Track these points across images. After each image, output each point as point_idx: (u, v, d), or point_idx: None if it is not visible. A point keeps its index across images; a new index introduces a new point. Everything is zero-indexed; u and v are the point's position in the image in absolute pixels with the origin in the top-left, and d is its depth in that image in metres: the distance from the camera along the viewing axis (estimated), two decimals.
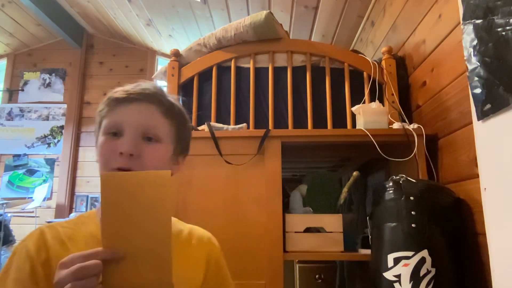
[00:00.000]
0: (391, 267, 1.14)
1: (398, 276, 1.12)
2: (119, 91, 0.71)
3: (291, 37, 2.81)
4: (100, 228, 0.51)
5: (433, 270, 1.10)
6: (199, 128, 1.63)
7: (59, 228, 0.68)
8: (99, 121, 0.72)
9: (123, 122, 0.67)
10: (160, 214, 0.51)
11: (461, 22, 1.16)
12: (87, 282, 0.48)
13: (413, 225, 1.15)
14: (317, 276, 1.81)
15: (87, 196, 3.94)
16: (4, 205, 3.28)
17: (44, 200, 3.92)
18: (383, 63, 1.76)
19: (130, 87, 0.71)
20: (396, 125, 1.54)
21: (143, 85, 0.72)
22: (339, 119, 1.70)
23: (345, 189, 1.56)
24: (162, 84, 4.38)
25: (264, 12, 1.71)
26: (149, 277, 0.51)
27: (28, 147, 4.21)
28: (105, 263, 0.50)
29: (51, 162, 4.17)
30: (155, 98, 0.71)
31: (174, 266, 0.67)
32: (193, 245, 0.77)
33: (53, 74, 4.41)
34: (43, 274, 0.62)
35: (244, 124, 1.62)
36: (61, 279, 0.48)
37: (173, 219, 0.79)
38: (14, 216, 3.86)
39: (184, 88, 1.82)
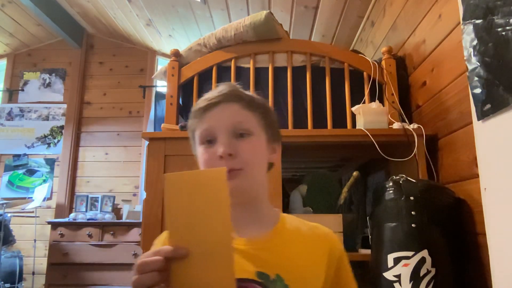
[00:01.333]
0: (391, 267, 1.14)
1: (398, 276, 1.12)
2: (200, 102, 0.74)
3: (291, 37, 2.81)
4: (167, 228, 0.52)
5: (433, 270, 1.10)
6: None
7: None
8: (192, 136, 0.76)
9: (212, 127, 0.70)
10: (219, 211, 0.52)
11: (461, 22, 1.16)
12: (147, 276, 0.50)
13: (413, 225, 1.15)
14: None
15: (87, 196, 3.94)
16: (4, 205, 3.28)
17: (44, 200, 3.92)
18: (383, 63, 1.76)
19: (208, 95, 0.75)
20: (396, 125, 1.54)
21: (219, 88, 0.75)
22: (339, 119, 1.70)
23: (345, 189, 1.56)
24: (162, 84, 4.36)
25: (264, 12, 1.71)
26: (212, 276, 0.51)
27: (28, 147, 4.21)
28: (172, 262, 0.51)
29: (51, 162, 4.17)
30: (233, 95, 0.73)
31: (289, 264, 0.68)
32: (312, 242, 0.74)
33: (53, 74, 4.41)
34: None
35: None
36: (133, 269, 0.52)
37: (289, 215, 0.80)
38: (14, 216, 3.86)
39: (184, 88, 1.82)
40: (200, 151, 0.72)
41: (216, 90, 0.74)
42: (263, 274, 0.64)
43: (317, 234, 0.77)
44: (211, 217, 0.52)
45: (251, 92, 0.78)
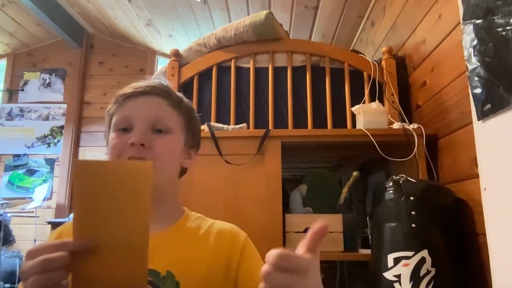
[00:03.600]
0: (391, 267, 1.14)
1: (398, 276, 1.12)
2: (126, 88, 0.71)
3: (291, 37, 2.81)
4: (73, 218, 0.48)
5: (433, 270, 1.10)
6: None
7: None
8: (108, 120, 0.72)
9: (132, 116, 0.68)
10: (138, 206, 0.48)
11: (461, 22, 1.16)
12: (51, 275, 0.44)
13: (413, 225, 1.15)
14: None
15: None
16: (4, 205, 3.28)
17: (44, 200, 3.92)
18: (383, 63, 1.76)
19: (136, 83, 0.72)
20: (396, 125, 1.54)
21: (151, 80, 0.73)
22: (339, 119, 1.70)
23: (345, 189, 1.56)
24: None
25: (264, 12, 1.71)
26: (123, 272, 0.48)
27: (28, 147, 4.21)
28: (76, 256, 0.46)
29: (51, 162, 4.17)
30: (162, 91, 0.72)
31: (182, 261, 0.65)
32: (211, 242, 0.72)
33: (53, 74, 4.41)
34: None
35: (244, 124, 1.62)
36: (26, 270, 0.45)
37: (196, 215, 0.78)
38: (14, 216, 3.86)
39: (184, 88, 1.82)
40: (112, 136, 0.68)
41: (146, 81, 0.72)
42: (153, 271, 0.63)
43: (218, 232, 0.74)
44: (128, 210, 0.48)
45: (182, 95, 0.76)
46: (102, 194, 0.48)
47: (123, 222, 0.48)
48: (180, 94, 0.76)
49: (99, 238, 0.47)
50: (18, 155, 4.19)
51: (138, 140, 0.64)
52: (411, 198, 1.18)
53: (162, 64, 4.42)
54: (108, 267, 0.48)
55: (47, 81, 4.39)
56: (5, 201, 3.36)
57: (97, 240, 0.47)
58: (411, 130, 1.48)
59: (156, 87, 0.71)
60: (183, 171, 0.77)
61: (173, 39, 3.96)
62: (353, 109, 1.63)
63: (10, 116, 4.30)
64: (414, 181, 1.23)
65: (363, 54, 1.95)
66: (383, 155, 1.49)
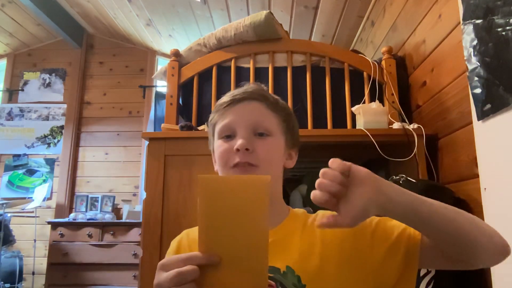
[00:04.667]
0: None
1: None
2: (224, 97, 0.75)
3: (291, 37, 2.81)
4: (198, 232, 0.50)
5: (433, 270, 1.10)
6: (199, 128, 1.63)
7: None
8: (211, 129, 0.76)
9: (233, 123, 0.71)
10: (257, 220, 0.50)
11: (461, 22, 1.16)
12: (189, 286, 0.48)
13: None
14: None
15: (87, 196, 3.94)
16: (4, 205, 3.28)
17: (44, 200, 3.92)
18: (383, 63, 1.76)
19: (233, 91, 0.75)
20: (396, 125, 1.54)
21: (246, 86, 0.76)
22: (339, 119, 1.70)
23: None
24: (162, 84, 4.36)
25: (264, 12, 1.71)
26: (245, 285, 0.50)
27: (28, 147, 4.21)
28: (201, 269, 0.49)
29: (51, 162, 4.17)
30: (258, 94, 0.74)
31: (298, 256, 0.66)
32: (317, 231, 0.70)
33: (53, 74, 4.41)
34: None
35: None
36: (161, 282, 0.49)
37: (300, 210, 0.78)
38: (14, 216, 3.86)
39: (184, 88, 1.82)
40: (217, 144, 0.72)
41: (243, 88, 0.75)
42: (274, 268, 0.64)
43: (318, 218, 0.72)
44: (248, 224, 0.50)
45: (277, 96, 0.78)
46: (224, 208, 0.50)
47: (244, 236, 0.50)
48: (275, 96, 0.78)
49: (223, 251, 0.50)
50: (18, 155, 4.19)
51: (242, 145, 0.67)
52: None
53: (162, 64, 4.41)
54: (231, 279, 0.50)
55: (47, 81, 4.39)
56: (5, 201, 3.36)
57: (220, 253, 0.49)
58: (411, 130, 1.48)
59: (252, 92, 0.74)
60: (285, 171, 0.78)
61: (173, 39, 3.96)
62: (353, 109, 1.63)
63: (10, 116, 4.30)
64: (414, 181, 1.23)
65: (363, 54, 1.95)
66: (383, 155, 1.49)
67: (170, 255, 0.70)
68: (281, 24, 1.85)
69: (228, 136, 0.71)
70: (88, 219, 3.48)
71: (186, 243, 0.75)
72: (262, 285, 0.50)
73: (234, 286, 0.50)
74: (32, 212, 3.81)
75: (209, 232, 0.50)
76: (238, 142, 0.67)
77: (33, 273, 3.51)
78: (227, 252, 0.50)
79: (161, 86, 4.19)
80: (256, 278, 0.50)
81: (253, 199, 0.50)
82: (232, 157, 0.68)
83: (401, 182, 1.24)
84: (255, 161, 0.67)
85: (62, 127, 4.24)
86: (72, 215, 3.59)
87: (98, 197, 3.92)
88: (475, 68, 1.08)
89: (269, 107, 0.74)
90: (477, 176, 1.14)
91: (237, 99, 0.73)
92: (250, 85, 0.76)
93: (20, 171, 4.15)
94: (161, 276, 0.50)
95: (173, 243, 0.77)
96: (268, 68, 1.77)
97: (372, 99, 1.71)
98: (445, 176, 1.43)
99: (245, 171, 0.67)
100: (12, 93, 4.37)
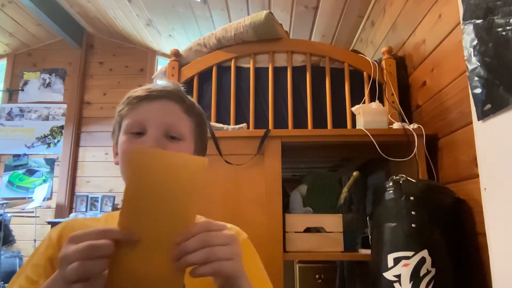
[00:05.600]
0: (391, 267, 1.14)
1: (398, 276, 1.12)
2: (139, 90, 0.70)
3: (291, 37, 2.81)
4: (121, 205, 0.46)
5: (433, 270, 1.10)
6: None
7: (84, 222, 0.70)
8: (118, 121, 0.71)
9: (145, 120, 0.66)
10: (187, 202, 0.46)
11: (461, 22, 1.16)
12: (96, 263, 0.43)
13: (413, 225, 1.15)
14: (317, 276, 1.81)
15: (87, 196, 3.94)
16: (4, 205, 3.28)
17: (44, 200, 3.92)
18: (383, 63, 1.76)
19: (150, 85, 0.71)
20: (396, 125, 1.54)
21: (164, 83, 0.72)
22: (339, 119, 1.70)
23: (345, 189, 1.56)
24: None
25: (264, 12, 1.71)
26: (161, 269, 0.45)
27: (28, 147, 4.21)
28: (116, 246, 0.44)
29: (51, 162, 4.17)
30: (176, 95, 0.71)
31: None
32: None
33: (53, 74, 4.41)
34: None
35: (244, 124, 1.62)
36: (68, 254, 0.43)
37: (202, 218, 0.76)
38: (14, 216, 3.86)
39: (184, 88, 1.82)
40: (123, 139, 0.67)
41: (160, 85, 0.71)
42: None
43: None
44: (176, 204, 0.46)
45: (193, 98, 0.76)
46: (153, 184, 0.46)
47: (170, 217, 0.46)
48: (192, 99, 0.75)
49: (143, 231, 0.45)
50: (18, 155, 4.19)
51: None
52: (411, 198, 1.18)
53: (162, 64, 4.42)
54: (146, 262, 0.45)
55: (47, 81, 4.39)
56: (5, 201, 3.36)
57: (140, 233, 0.45)
58: (411, 130, 1.48)
59: (170, 92, 0.70)
60: None
61: (173, 39, 3.96)
62: (353, 109, 1.63)
63: (10, 116, 4.30)
64: (414, 181, 1.23)
65: (363, 54, 1.95)
66: (383, 155, 1.49)
67: (48, 247, 0.64)
68: (281, 24, 1.85)
69: (138, 133, 0.66)
70: None
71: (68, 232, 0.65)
72: (176, 279, 0.46)
73: (148, 270, 0.45)
74: (32, 212, 3.81)
75: (133, 207, 0.45)
76: (148, 143, 0.64)
77: None
78: (147, 232, 0.45)
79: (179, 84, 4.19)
80: (171, 270, 0.45)
81: (188, 179, 0.46)
82: None
83: (401, 182, 1.24)
84: None
85: (62, 127, 4.24)
86: (72, 215, 3.60)
87: (98, 197, 3.93)
88: (475, 68, 1.08)
89: (185, 110, 0.70)
90: (477, 176, 1.14)
91: (153, 95, 0.68)
92: (169, 83, 0.72)
93: (20, 171, 4.15)
94: (68, 248, 0.44)
95: (52, 234, 0.68)
96: (268, 68, 1.77)
97: (372, 99, 1.71)
98: (445, 176, 1.43)
99: None
100: (12, 93, 4.37)
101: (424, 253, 1.11)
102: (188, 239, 0.45)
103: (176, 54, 1.83)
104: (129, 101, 0.70)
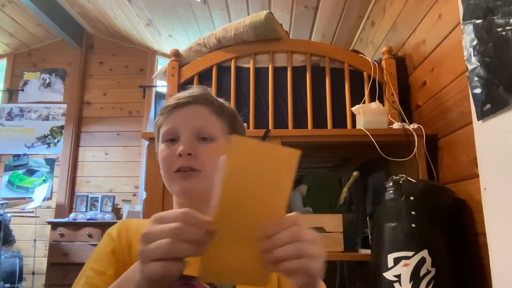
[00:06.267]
0: (391, 267, 1.14)
1: (398, 276, 1.12)
2: (170, 100, 0.74)
3: (291, 37, 2.81)
4: (219, 195, 0.44)
5: (433, 270, 1.10)
6: None
7: (139, 222, 0.71)
8: (156, 131, 0.75)
9: (177, 127, 0.70)
10: (281, 194, 0.45)
11: (461, 22, 1.16)
12: (182, 245, 0.41)
13: (413, 225, 1.15)
14: None
15: (87, 196, 3.94)
16: (4, 205, 3.28)
17: (44, 200, 3.92)
18: (383, 63, 1.76)
19: (179, 94, 0.74)
20: (396, 125, 1.54)
21: (192, 89, 0.75)
22: (339, 119, 1.70)
23: (345, 189, 1.56)
24: (162, 84, 4.35)
25: (264, 12, 1.71)
26: (252, 261, 0.44)
27: (28, 147, 4.21)
28: (208, 238, 0.43)
29: (51, 162, 4.17)
30: (204, 99, 0.74)
31: None
32: None
33: (53, 74, 4.41)
34: (126, 257, 0.64)
35: (244, 124, 1.62)
36: (153, 231, 0.42)
37: None
38: (14, 216, 3.86)
39: (184, 88, 1.82)
40: (161, 148, 0.72)
41: (188, 91, 0.74)
42: None
43: None
44: (271, 196, 0.45)
45: (224, 100, 0.78)
46: (249, 175, 0.44)
47: (263, 209, 0.45)
48: (221, 100, 0.77)
49: (237, 220, 0.44)
50: (18, 155, 4.19)
51: (184, 150, 0.67)
52: (411, 198, 1.18)
53: (162, 64, 4.42)
54: (240, 252, 0.44)
55: (47, 81, 4.39)
56: (5, 201, 3.36)
57: (234, 222, 0.44)
58: (411, 130, 1.48)
59: (197, 96, 0.73)
60: None
61: (173, 39, 3.96)
62: (353, 109, 1.63)
63: (10, 116, 4.30)
64: (414, 181, 1.23)
65: (363, 54, 1.95)
66: (383, 155, 1.49)
67: (109, 243, 0.65)
68: (281, 24, 1.85)
69: (172, 140, 0.70)
70: (88, 219, 3.48)
71: (134, 230, 0.69)
72: (265, 272, 0.44)
73: (235, 265, 0.44)
74: (32, 212, 3.81)
75: (229, 200, 0.44)
76: (180, 147, 0.67)
77: (33, 273, 3.52)
78: (240, 223, 0.44)
79: (161, 86, 4.19)
80: (261, 263, 0.44)
81: (283, 170, 0.45)
82: (174, 162, 0.68)
83: (401, 182, 1.24)
84: (198, 166, 0.67)
85: (62, 127, 4.24)
86: (72, 215, 3.59)
87: (98, 197, 3.92)
88: (475, 68, 1.08)
89: (214, 111, 0.73)
90: (477, 176, 1.14)
91: (182, 102, 0.72)
92: (195, 89, 0.75)
93: (20, 171, 4.15)
94: (154, 227, 0.43)
95: (112, 232, 0.69)
96: (268, 68, 1.77)
97: (372, 99, 1.71)
98: (445, 176, 1.43)
99: (186, 176, 0.67)
100: (12, 93, 4.37)
101: (424, 253, 1.11)
102: (279, 232, 0.44)
103: (176, 54, 1.83)
104: (162, 111, 0.74)
